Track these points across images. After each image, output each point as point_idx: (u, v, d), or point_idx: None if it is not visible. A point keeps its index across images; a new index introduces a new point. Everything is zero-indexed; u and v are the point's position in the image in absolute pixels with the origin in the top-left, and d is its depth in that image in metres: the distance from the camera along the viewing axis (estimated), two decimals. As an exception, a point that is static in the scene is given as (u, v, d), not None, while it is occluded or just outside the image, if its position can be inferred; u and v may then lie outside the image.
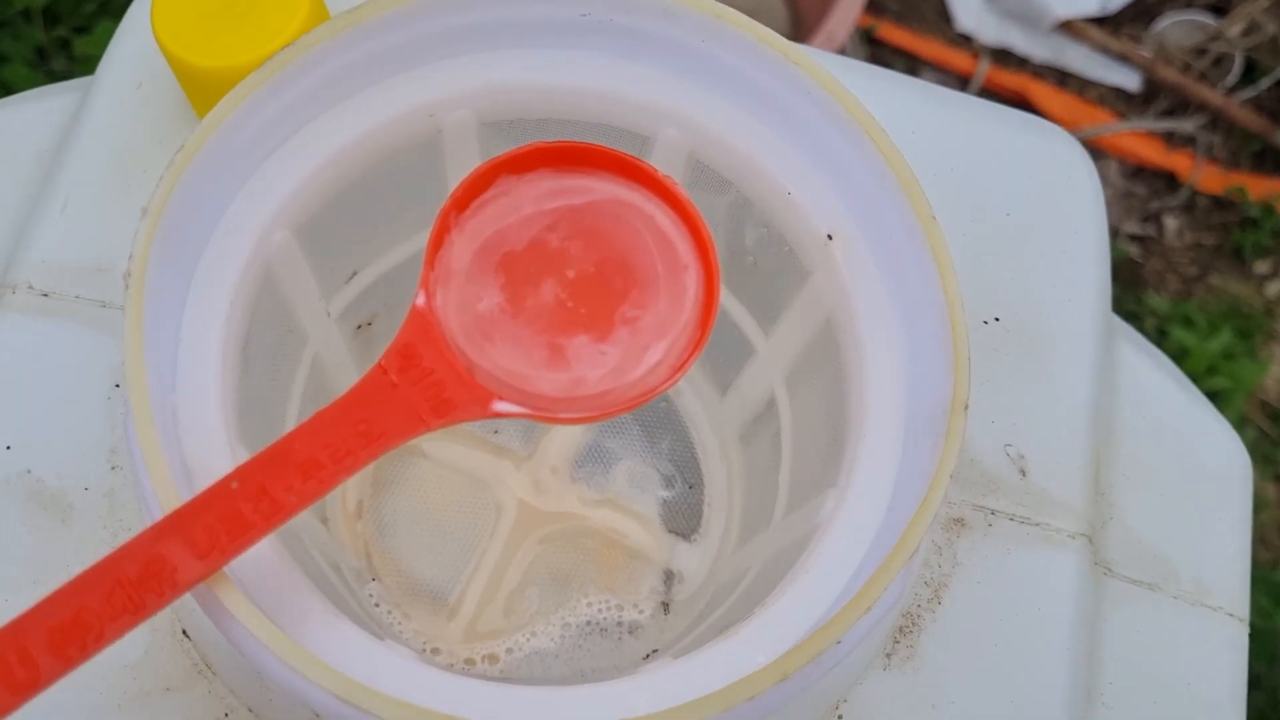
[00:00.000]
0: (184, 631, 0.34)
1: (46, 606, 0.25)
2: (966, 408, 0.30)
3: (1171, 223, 1.35)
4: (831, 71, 0.33)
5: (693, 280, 0.30)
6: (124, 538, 0.34)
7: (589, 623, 0.43)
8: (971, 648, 0.36)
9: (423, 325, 0.29)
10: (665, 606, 0.43)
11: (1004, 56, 1.31)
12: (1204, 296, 1.33)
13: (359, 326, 0.42)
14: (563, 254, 0.30)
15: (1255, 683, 1.10)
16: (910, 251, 0.32)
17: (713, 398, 0.45)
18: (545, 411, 0.28)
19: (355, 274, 0.40)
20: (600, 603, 0.43)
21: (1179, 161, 1.33)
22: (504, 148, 0.37)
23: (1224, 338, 1.26)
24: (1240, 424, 1.25)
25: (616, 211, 0.30)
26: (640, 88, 0.36)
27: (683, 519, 0.44)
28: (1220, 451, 0.43)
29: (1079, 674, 0.36)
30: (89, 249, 0.38)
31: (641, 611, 0.43)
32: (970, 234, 0.38)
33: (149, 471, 0.27)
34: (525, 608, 0.43)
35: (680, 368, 0.29)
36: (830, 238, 0.34)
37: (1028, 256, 0.40)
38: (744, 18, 0.34)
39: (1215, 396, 1.21)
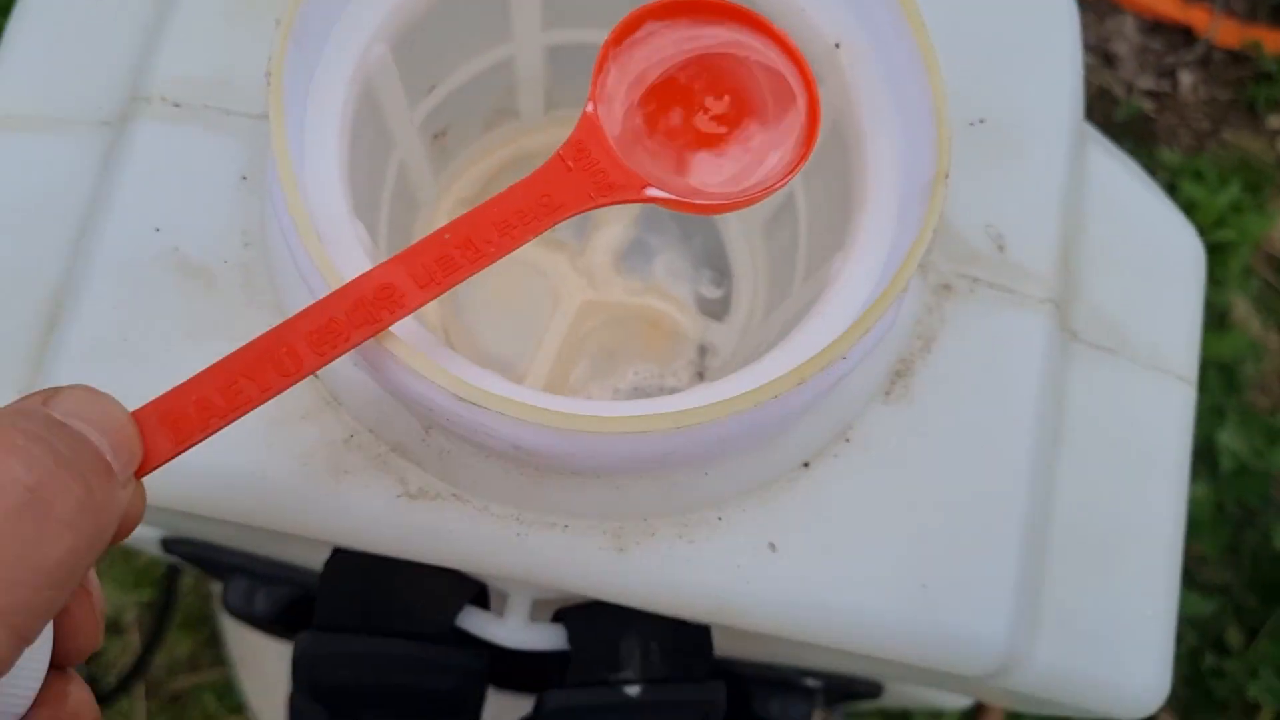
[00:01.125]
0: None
1: (304, 317, 0.31)
2: (947, 176, 0.37)
3: (1186, 78, 1.38)
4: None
5: (798, 106, 0.37)
6: (258, 301, 0.42)
7: (635, 389, 0.50)
8: (955, 391, 0.43)
9: (591, 127, 0.36)
10: (700, 375, 0.51)
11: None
12: (1216, 151, 1.37)
13: (435, 136, 0.49)
14: (689, 89, 0.37)
15: (1249, 519, 1.18)
16: (904, 55, 0.39)
17: (739, 199, 0.52)
18: (686, 198, 0.36)
19: (434, 87, 0.46)
20: (645, 372, 0.51)
21: (1196, 15, 1.34)
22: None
23: (1232, 191, 1.29)
24: (1245, 275, 1.30)
25: (737, 52, 0.37)
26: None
27: (714, 303, 0.52)
28: (1178, 241, 0.50)
29: (1047, 417, 0.44)
30: (211, 65, 0.45)
31: (679, 379, 0.50)
32: (961, 45, 0.44)
33: (302, 240, 0.34)
34: (581, 376, 0.50)
35: (793, 169, 0.36)
36: (837, 46, 0.41)
37: (1011, 69, 0.46)
38: None
39: (1222, 248, 1.27)
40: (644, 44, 0.37)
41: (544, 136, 0.53)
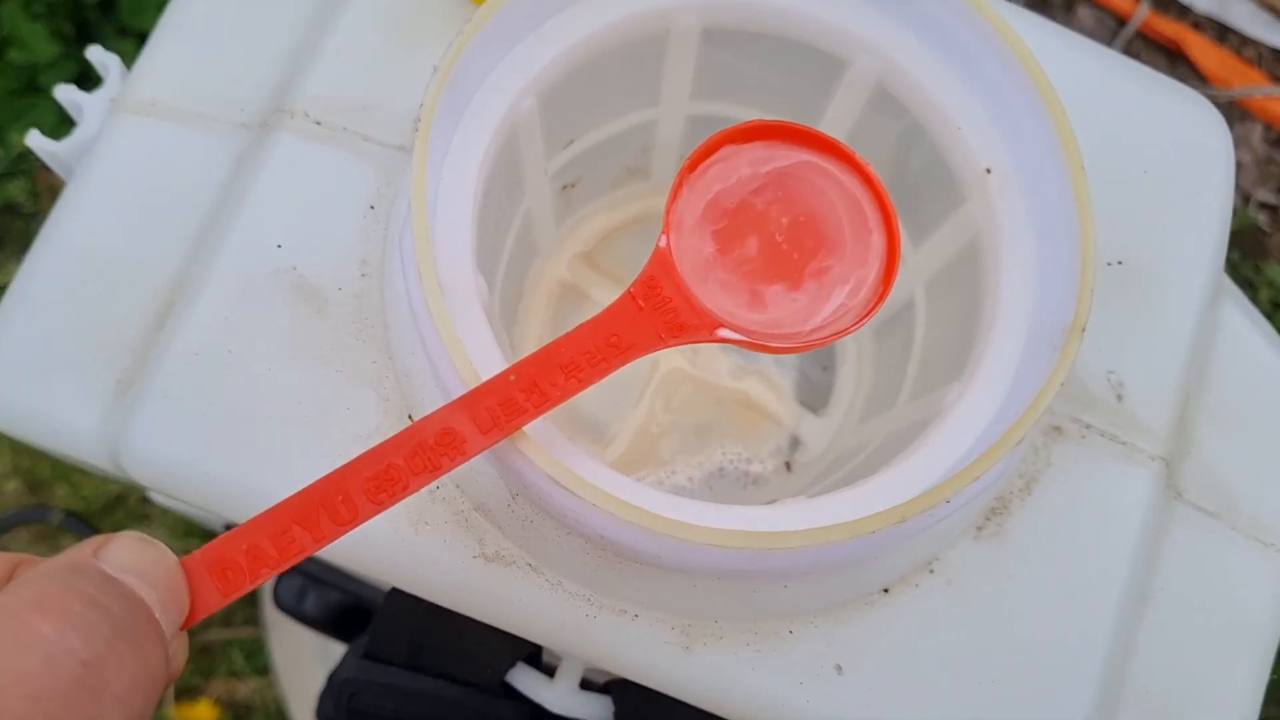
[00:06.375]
0: (410, 416, 0.41)
1: (363, 461, 0.31)
2: (1083, 330, 0.36)
3: (1307, 196, 1.35)
4: (1009, 22, 0.39)
5: (876, 242, 0.36)
6: (366, 334, 0.42)
7: (720, 470, 0.50)
8: (1049, 536, 0.42)
9: (663, 262, 0.35)
10: (788, 465, 0.50)
11: (1165, 3, 1.31)
12: (1325, 275, 1.33)
13: (565, 187, 0.48)
14: (765, 216, 0.36)
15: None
16: (1057, 193, 0.38)
17: (855, 294, 0.51)
18: (757, 340, 0.35)
19: (572, 142, 0.46)
20: (733, 454, 0.50)
21: (1327, 136, 1.32)
22: (719, 56, 0.44)
23: (1342, 317, 1.26)
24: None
25: (814, 177, 0.36)
26: (844, 17, 0.41)
27: (814, 395, 0.51)
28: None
29: (1137, 575, 0.43)
30: (358, 89, 0.44)
31: (766, 467, 0.50)
32: (1108, 183, 0.43)
33: (440, 336, 0.34)
34: (669, 449, 0.50)
35: (867, 314, 0.35)
36: (989, 171, 0.40)
37: (1157, 212, 0.45)
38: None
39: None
40: (718, 166, 0.36)
41: (669, 199, 0.52)
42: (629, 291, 0.35)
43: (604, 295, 0.51)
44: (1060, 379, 0.35)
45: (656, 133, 0.48)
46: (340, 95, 0.45)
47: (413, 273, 0.35)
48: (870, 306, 0.35)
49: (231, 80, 0.47)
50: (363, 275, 0.42)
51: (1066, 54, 0.46)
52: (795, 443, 0.50)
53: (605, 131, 0.47)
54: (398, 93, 0.45)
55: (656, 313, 0.34)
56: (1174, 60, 1.32)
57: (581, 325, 0.34)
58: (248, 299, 0.42)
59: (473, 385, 0.34)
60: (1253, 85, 1.32)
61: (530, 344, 0.50)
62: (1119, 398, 0.43)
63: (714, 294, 0.35)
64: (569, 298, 0.51)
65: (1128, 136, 0.46)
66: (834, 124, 0.45)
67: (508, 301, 0.49)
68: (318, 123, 0.44)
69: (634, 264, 0.52)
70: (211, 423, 0.41)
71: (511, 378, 0.33)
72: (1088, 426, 0.43)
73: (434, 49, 0.45)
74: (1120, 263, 0.45)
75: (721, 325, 0.34)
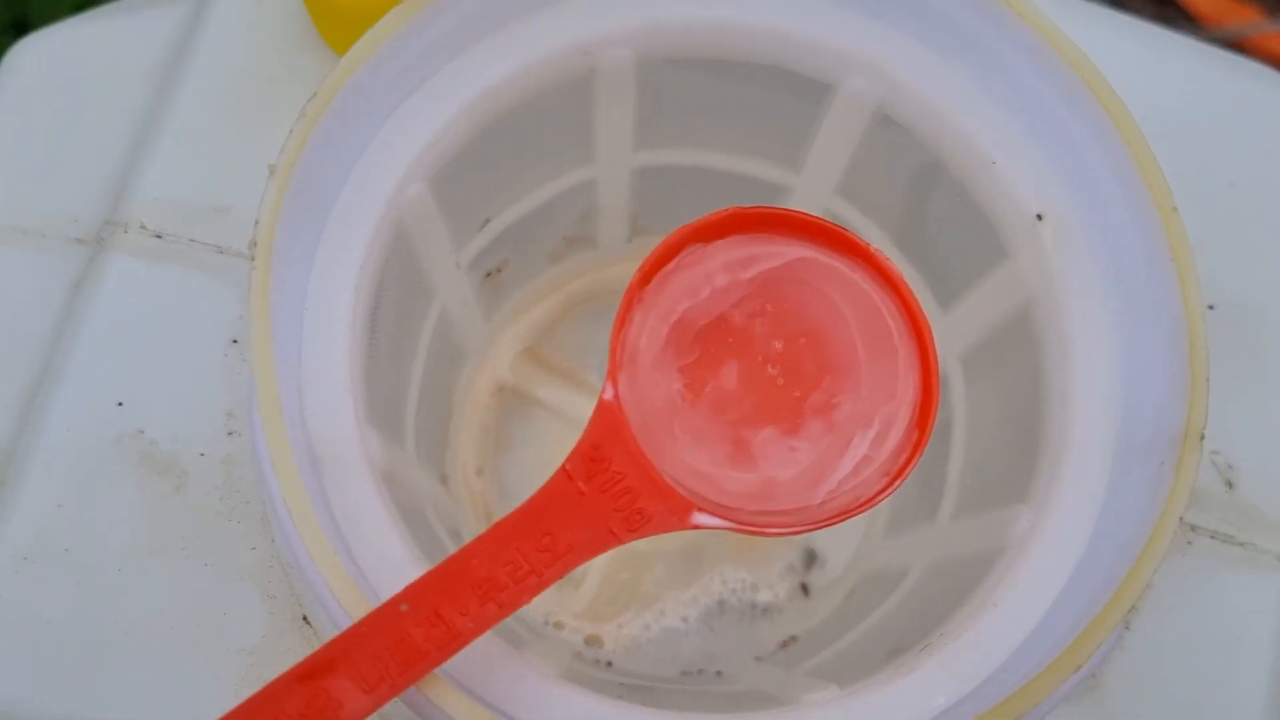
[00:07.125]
0: (305, 618, 0.31)
1: None
2: (1202, 439, 0.26)
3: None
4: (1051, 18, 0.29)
5: (904, 365, 0.26)
6: (240, 512, 0.32)
7: (720, 603, 0.40)
8: (1161, 681, 0.32)
9: (611, 423, 0.25)
10: (804, 588, 0.40)
11: (1154, -60, 1.21)
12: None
13: (488, 274, 0.38)
14: (748, 334, 0.26)
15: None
16: (1139, 245, 0.28)
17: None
18: (749, 526, 0.25)
19: (488, 221, 0.36)
20: (735, 581, 0.40)
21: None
22: (665, 91, 0.34)
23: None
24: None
25: (813, 278, 0.26)
26: (826, 28, 0.31)
27: (828, 495, 0.41)
28: None
29: (1272, 716, 0.33)
30: (206, 186, 0.34)
31: (777, 593, 0.40)
32: (1185, 205, 0.33)
33: (291, 511, 0.24)
34: (654, 582, 0.40)
35: (898, 475, 0.25)
36: (1040, 218, 0.30)
37: (1252, 235, 0.35)
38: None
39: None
40: (682, 276, 0.26)
41: (628, 268, 0.42)
42: (564, 469, 0.25)
43: (554, 396, 0.41)
44: (1177, 512, 0.25)
45: (597, 194, 0.38)
46: (183, 197, 0.35)
47: (264, 458, 0.25)
48: (905, 461, 0.25)
49: (63, 183, 0.37)
50: (230, 434, 0.33)
51: (1113, 37, 0.36)
52: (810, 558, 0.40)
53: (529, 203, 0.36)
54: (257, 187, 0.35)
55: (605, 496, 0.24)
56: (1161, 2, 1.23)
57: (499, 524, 0.24)
58: (85, 479, 0.32)
59: (357, 616, 0.24)
60: (1249, 23, 1.22)
61: (468, 474, 0.40)
62: (1229, 485, 0.34)
63: (682, 452, 0.25)
64: (513, 407, 0.41)
65: (1204, 139, 0.36)
66: (823, 166, 0.35)
67: (433, 428, 0.39)
68: (158, 236, 0.34)
69: (588, 353, 0.42)
70: (50, 648, 0.31)
71: (403, 607, 0.24)
72: (1193, 529, 0.33)
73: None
74: (1212, 307, 0.35)
75: (696, 509, 0.24)
